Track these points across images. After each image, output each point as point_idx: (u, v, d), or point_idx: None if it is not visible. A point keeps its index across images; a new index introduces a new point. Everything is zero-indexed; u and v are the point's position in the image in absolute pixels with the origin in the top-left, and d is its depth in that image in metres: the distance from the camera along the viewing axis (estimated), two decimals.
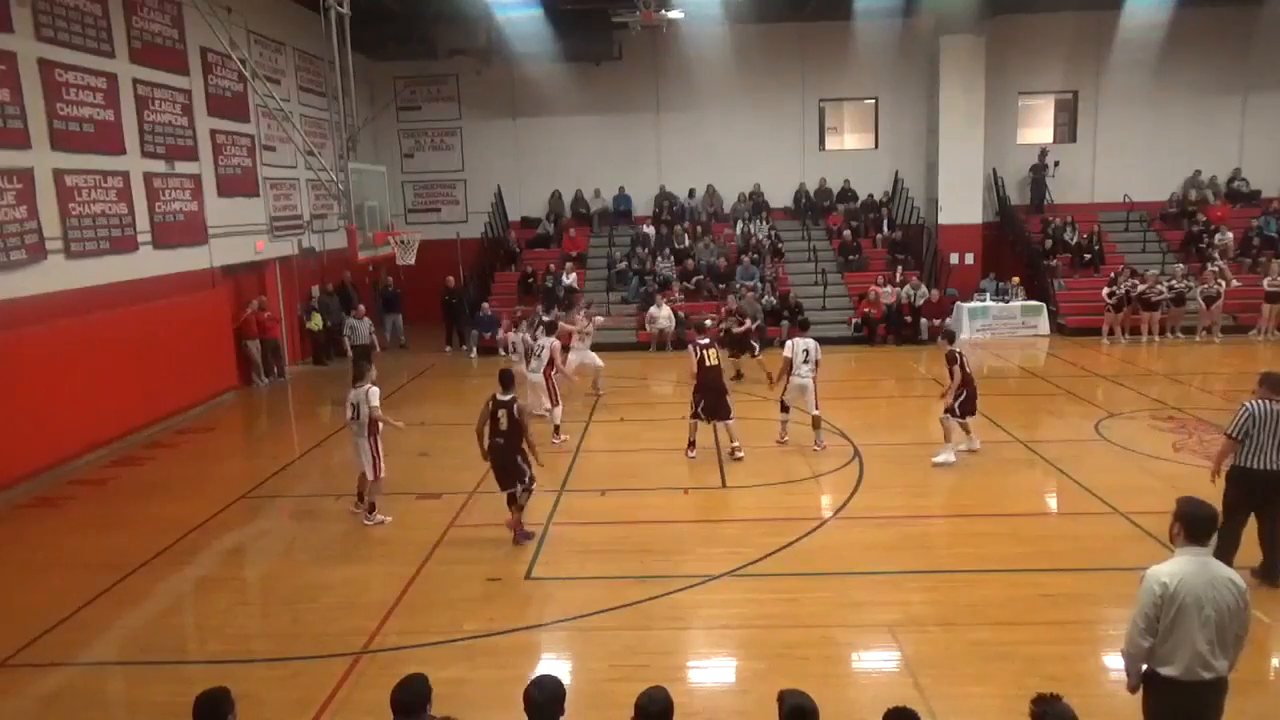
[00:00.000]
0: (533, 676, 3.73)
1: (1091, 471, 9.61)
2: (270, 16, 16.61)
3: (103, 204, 11.86)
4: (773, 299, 18.46)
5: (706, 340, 10.85)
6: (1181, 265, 18.90)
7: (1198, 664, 3.94)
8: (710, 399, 10.37)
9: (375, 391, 8.55)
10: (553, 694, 3.59)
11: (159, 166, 13.16)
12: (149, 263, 12.86)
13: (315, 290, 17.79)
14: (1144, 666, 4.09)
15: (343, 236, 13.41)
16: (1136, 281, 17.86)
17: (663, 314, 18.15)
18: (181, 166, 13.72)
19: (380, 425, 8.56)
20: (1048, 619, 6.39)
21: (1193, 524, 4.09)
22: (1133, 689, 4.17)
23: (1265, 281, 17.59)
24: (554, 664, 6.11)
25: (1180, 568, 3.98)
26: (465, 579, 7.40)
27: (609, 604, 6.78)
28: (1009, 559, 7.47)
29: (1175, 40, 20.27)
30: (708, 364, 10.40)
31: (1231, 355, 16.37)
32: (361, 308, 15.42)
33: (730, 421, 10.49)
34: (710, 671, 6.06)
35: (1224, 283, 17.65)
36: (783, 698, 3.57)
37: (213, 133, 14.70)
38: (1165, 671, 3.99)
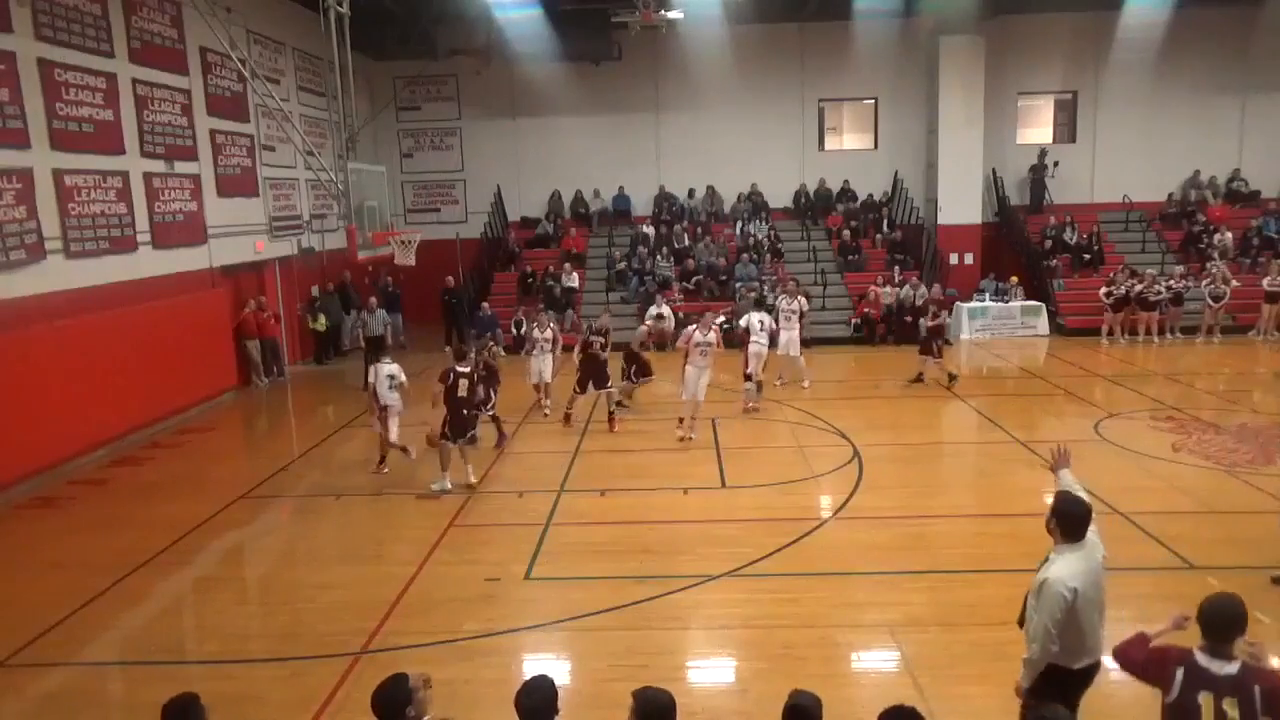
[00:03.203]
0: (524, 680, 3.57)
1: (1091, 471, 9.49)
2: (270, 16, 16.61)
3: (102, 204, 11.85)
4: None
5: (601, 339, 12.37)
6: (1181, 265, 18.92)
7: (1089, 653, 4.07)
8: (589, 374, 12.14)
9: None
10: (545, 698, 3.44)
11: (158, 166, 13.15)
12: (148, 263, 12.85)
13: (315, 290, 17.78)
14: None
15: (342, 236, 13.43)
16: (1135, 282, 17.87)
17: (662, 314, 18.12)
18: (181, 166, 13.71)
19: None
20: None
21: (1068, 522, 4.10)
22: (1028, 693, 4.08)
23: (1265, 281, 17.59)
24: (554, 664, 6.11)
25: (1076, 567, 4.00)
26: (465, 579, 7.39)
27: (609, 604, 6.78)
28: (1009, 559, 7.44)
29: (1175, 40, 20.28)
30: (590, 351, 12.14)
31: (1231, 355, 16.37)
32: (374, 300, 15.60)
33: (610, 389, 12.17)
34: (710, 671, 6.06)
35: (1227, 287, 17.61)
36: (791, 698, 3.50)
37: (212, 133, 14.69)
38: (1064, 663, 4.03)
